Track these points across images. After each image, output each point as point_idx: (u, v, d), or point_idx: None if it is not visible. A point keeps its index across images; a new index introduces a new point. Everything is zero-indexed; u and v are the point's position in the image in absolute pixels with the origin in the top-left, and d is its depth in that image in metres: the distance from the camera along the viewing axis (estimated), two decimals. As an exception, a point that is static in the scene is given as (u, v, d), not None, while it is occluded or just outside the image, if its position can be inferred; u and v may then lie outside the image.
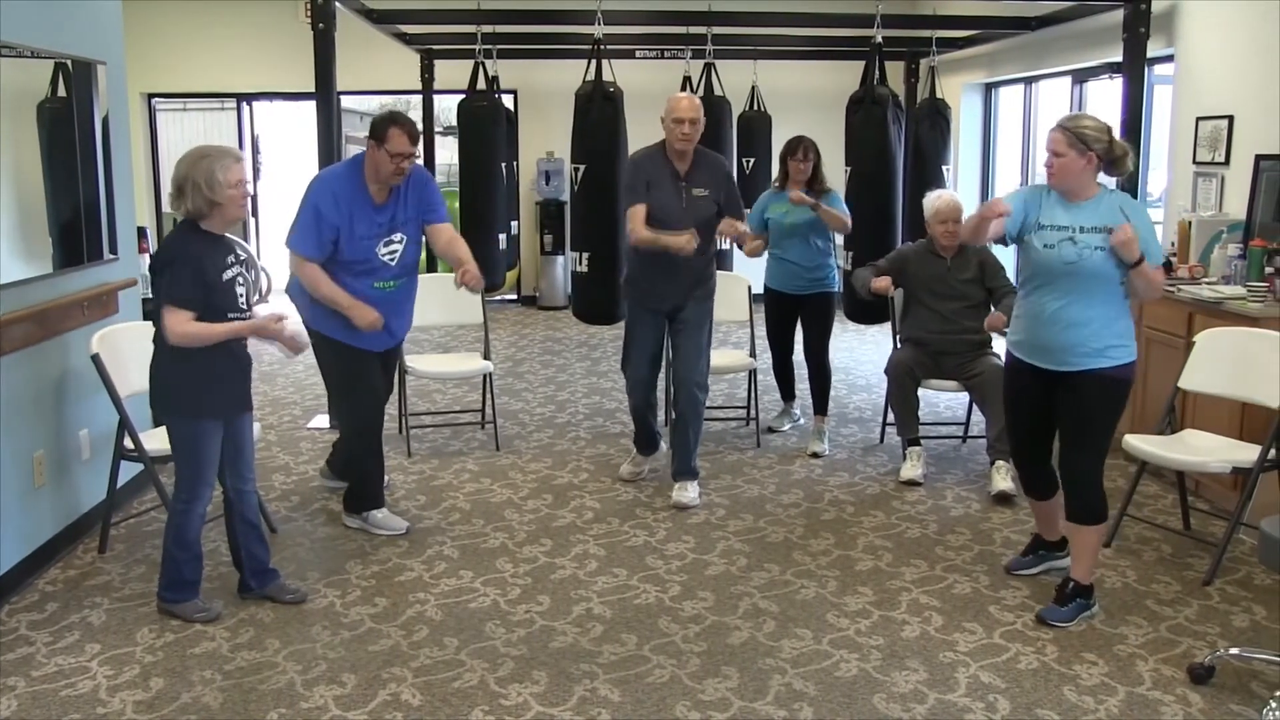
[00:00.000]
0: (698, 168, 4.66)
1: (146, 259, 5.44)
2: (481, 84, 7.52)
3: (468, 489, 4.99)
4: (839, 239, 5.85)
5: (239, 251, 3.58)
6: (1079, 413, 3.53)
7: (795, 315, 5.67)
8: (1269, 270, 4.79)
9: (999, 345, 5.10)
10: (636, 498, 4.88)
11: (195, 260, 3.43)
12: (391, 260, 4.21)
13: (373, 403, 4.38)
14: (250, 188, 3.52)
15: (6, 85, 3.81)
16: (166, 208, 10.30)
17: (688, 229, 4.51)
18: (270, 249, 10.69)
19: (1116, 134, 3.49)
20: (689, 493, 4.76)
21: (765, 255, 5.66)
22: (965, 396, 5.40)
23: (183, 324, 3.40)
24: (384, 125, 4.05)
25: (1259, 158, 5.28)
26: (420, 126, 9.25)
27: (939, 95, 7.21)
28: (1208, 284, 5.01)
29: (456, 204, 8.41)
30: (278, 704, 3.10)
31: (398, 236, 4.20)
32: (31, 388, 3.99)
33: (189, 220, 3.47)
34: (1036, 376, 3.60)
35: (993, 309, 5.04)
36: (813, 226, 5.44)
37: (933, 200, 5.11)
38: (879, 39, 6.15)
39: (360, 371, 4.30)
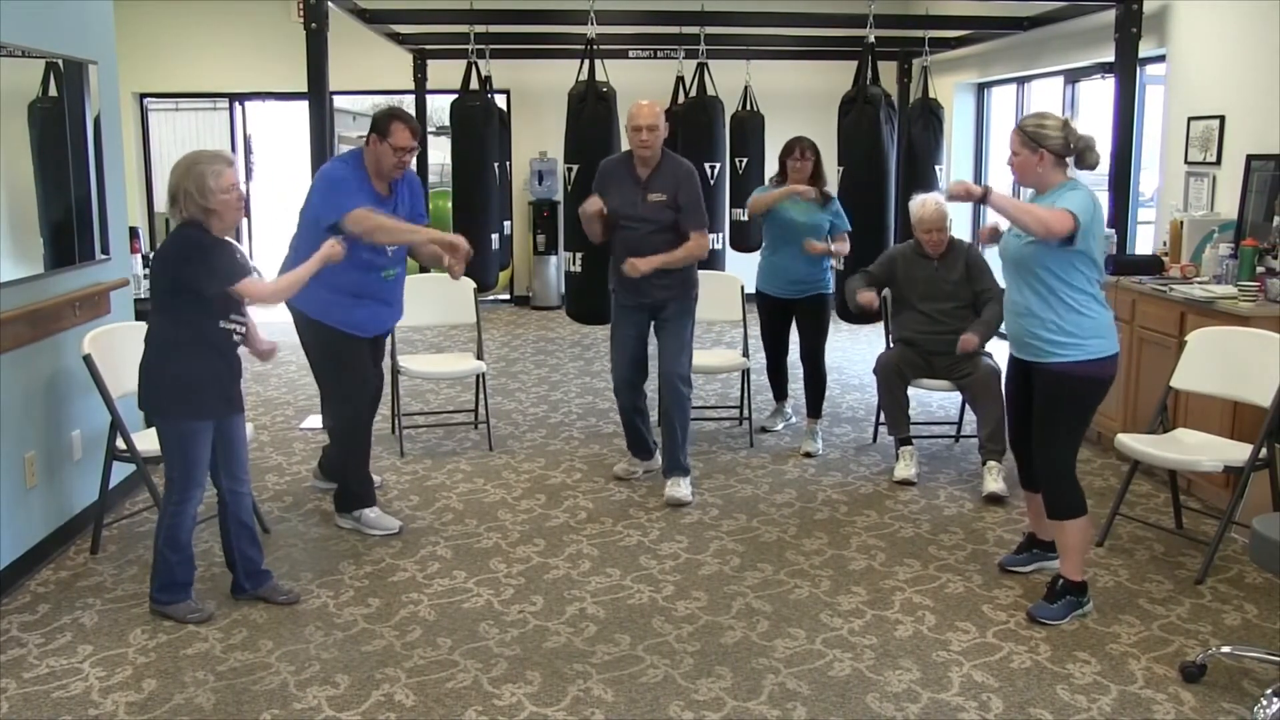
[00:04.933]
0: (659, 173, 4.69)
1: (139, 259, 5.43)
2: (474, 84, 7.50)
3: (461, 489, 4.99)
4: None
5: (233, 249, 3.57)
6: (1039, 406, 3.60)
7: (788, 318, 5.65)
8: (1260, 270, 4.81)
9: (992, 345, 5.12)
10: (630, 497, 4.88)
11: (216, 245, 3.45)
12: (393, 250, 4.32)
13: (363, 394, 4.40)
14: (242, 190, 3.52)
15: (-3, 85, 3.81)
16: (159, 208, 10.29)
17: (646, 236, 4.67)
18: (263, 249, 10.67)
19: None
20: (682, 489, 4.76)
21: (758, 255, 5.66)
22: (958, 396, 5.41)
23: (259, 285, 3.54)
24: (386, 120, 4.16)
25: (1250, 158, 5.30)
26: (414, 126, 9.28)
27: (932, 95, 7.22)
28: (1199, 284, 5.03)
29: (449, 204, 8.41)
30: (271, 705, 3.09)
31: (403, 221, 4.31)
32: (23, 388, 3.97)
33: (190, 220, 3.46)
34: (1020, 369, 3.70)
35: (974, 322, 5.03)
36: (820, 227, 5.41)
37: (916, 208, 5.08)
38: (872, 39, 6.16)
39: (351, 361, 4.33)
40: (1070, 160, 3.54)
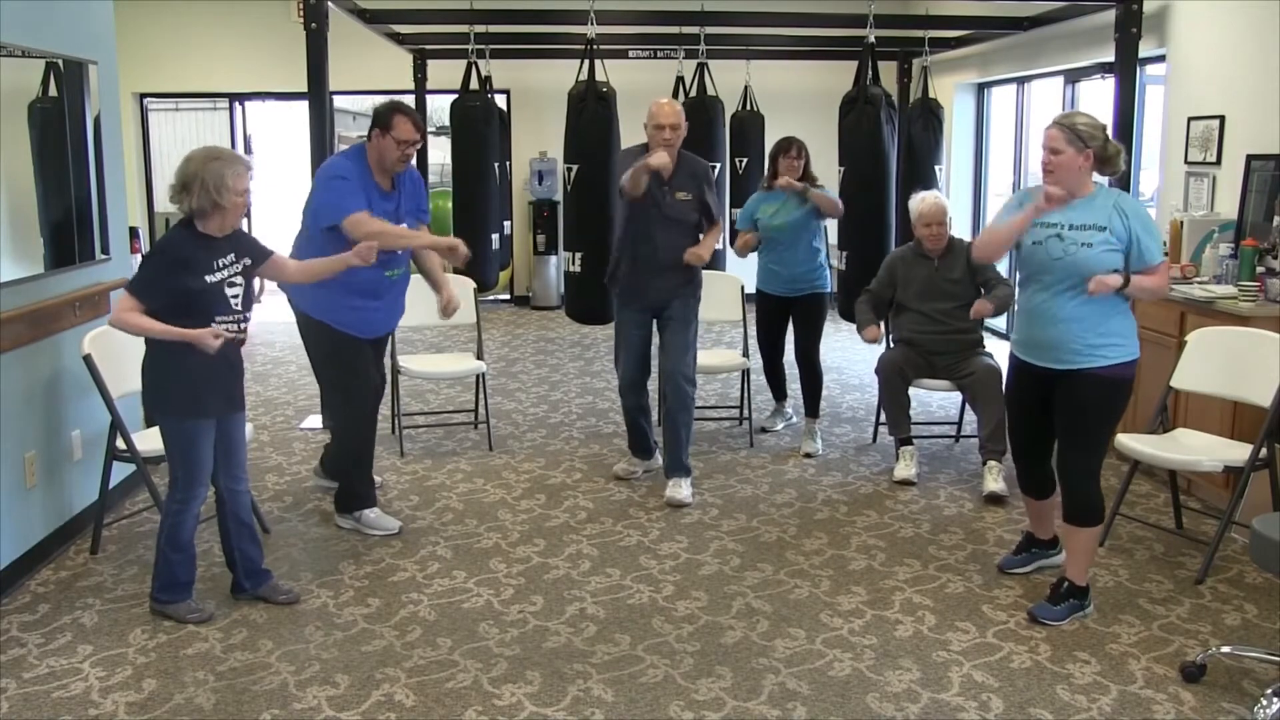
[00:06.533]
0: (680, 171, 4.69)
1: (139, 259, 5.42)
2: (474, 84, 7.51)
3: (461, 489, 4.99)
4: (832, 237, 5.85)
5: (237, 254, 3.55)
6: (1075, 412, 3.52)
7: (785, 317, 5.67)
8: (1260, 270, 4.81)
9: (992, 345, 5.12)
10: (630, 497, 4.88)
11: (180, 261, 3.43)
12: (399, 250, 4.30)
13: (368, 394, 4.38)
14: (251, 199, 3.53)
15: (-3, 85, 3.81)
16: (159, 207, 10.30)
17: (668, 234, 4.65)
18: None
19: (1109, 132, 3.51)
20: (683, 490, 4.76)
21: (756, 256, 5.66)
22: (958, 396, 5.41)
23: (126, 310, 3.42)
24: (390, 113, 4.14)
25: (1250, 158, 5.30)
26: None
27: (932, 95, 7.22)
28: (1199, 284, 5.03)
29: (450, 204, 8.40)
30: (270, 705, 3.09)
31: (402, 226, 4.29)
32: (23, 388, 3.97)
33: (186, 219, 3.46)
34: (1035, 375, 3.60)
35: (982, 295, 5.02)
36: (802, 226, 5.44)
37: (916, 203, 5.10)
38: (872, 39, 6.15)
39: (355, 361, 4.31)
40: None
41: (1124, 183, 5.83)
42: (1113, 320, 3.46)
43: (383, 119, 4.13)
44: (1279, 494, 3.91)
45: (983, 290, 5.04)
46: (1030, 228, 3.51)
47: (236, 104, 10.87)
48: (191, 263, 3.44)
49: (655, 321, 4.89)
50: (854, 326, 5.42)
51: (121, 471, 4.44)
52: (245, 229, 3.70)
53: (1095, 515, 3.57)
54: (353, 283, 4.17)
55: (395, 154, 4.16)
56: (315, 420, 6.08)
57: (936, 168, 7.13)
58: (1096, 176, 3.52)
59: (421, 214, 4.45)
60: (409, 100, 9.36)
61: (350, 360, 4.30)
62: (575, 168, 5.64)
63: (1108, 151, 3.43)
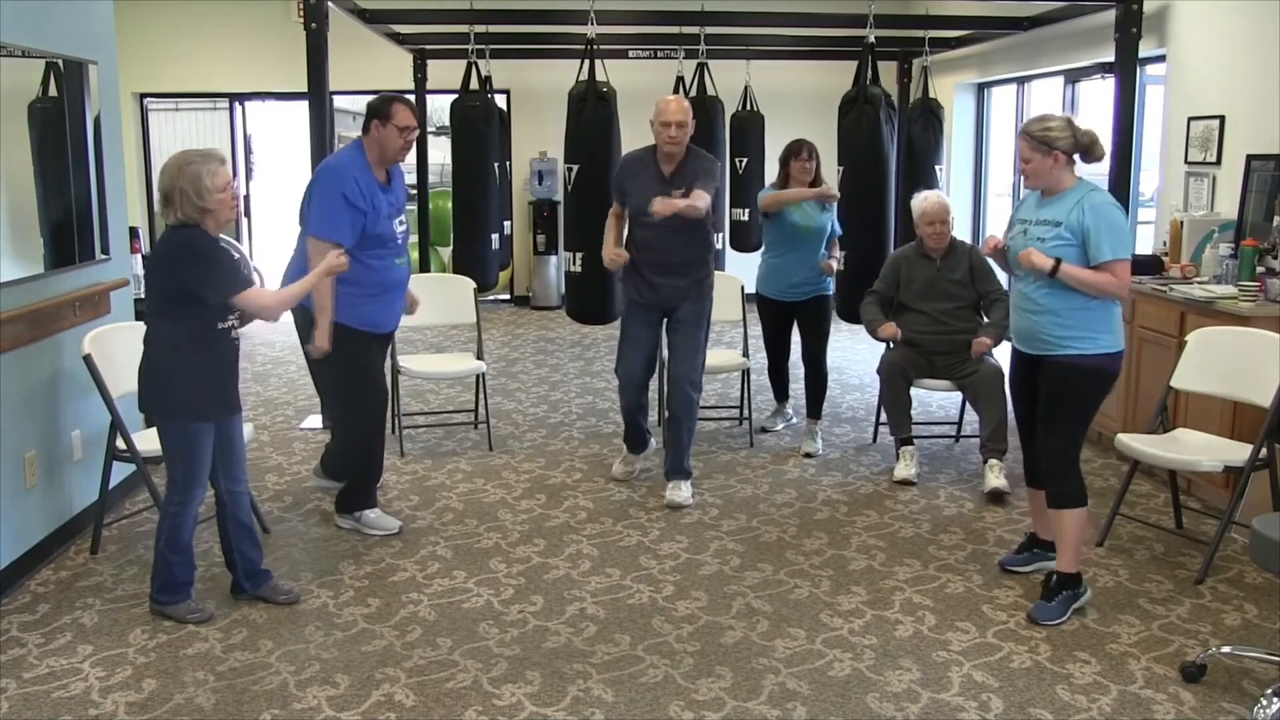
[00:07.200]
0: (685, 168, 4.67)
1: (139, 259, 5.42)
2: (474, 84, 7.51)
3: (461, 489, 4.99)
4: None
5: (232, 253, 3.57)
6: (1046, 398, 3.62)
7: (790, 320, 5.66)
8: (1260, 270, 4.81)
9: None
10: (630, 497, 4.88)
11: (217, 251, 3.45)
12: (403, 237, 4.31)
13: (377, 396, 4.35)
14: (240, 188, 3.53)
15: (-3, 85, 3.81)
16: (159, 208, 10.29)
17: (676, 234, 4.61)
18: (263, 249, 10.68)
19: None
20: (683, 492, 4.76)
21: (758, 256, 5.66)
22: (959, 396, 5.41)
23: (263, 296, 3.50)
24: (387, 103, 4.14)
25: (1250, 158, 5.30)
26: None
27: (932, 95, 7.22)
28: (1199, 283, 5.03)
29: (450, 204, 8.40)
30: (271, 705, 3.09)
31: (401, 216, 4.31)
32: (23, 388, 3.97)
33: (186, 223, 3.46)
34: (1026, 361, 3.71)
35: (981, 324, 5.03)
36: (823, 230, 5.44)
37: (919, 202, 5.10)
38: (872, 39, 6.15)
39: (369, 363, 4.27)
40: (1077, 157, 3.56)
41: (1124, 183, 5.85)
42: (1080, 314, 3.52)
43: (381, 110, 4.12)
44: (1279, 494, 3.91)
45: (981, 302, 5.05)
46: (1010, 224, 3.74)
47: (236, 104, 10.85)
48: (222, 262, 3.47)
49: (665, 321, 4.87)
50: (854, 327, 5.43)
51: (121, 471, 4.44)
52: (241, 230, 3.71)
53: (1073, 499, 3.61)
54: (368, 278, 4.13)
55: (398, 142, 4.15)
56: (315, 420, 6.08)
57: (937, 168, 7.13)
58: (1087, 168, 3.60)
59: (403, 208, 4.42)
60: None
61: (362, 361, 4.25)
62: (575, 168, 5.64)
63: (1080, 144, 3.52)
